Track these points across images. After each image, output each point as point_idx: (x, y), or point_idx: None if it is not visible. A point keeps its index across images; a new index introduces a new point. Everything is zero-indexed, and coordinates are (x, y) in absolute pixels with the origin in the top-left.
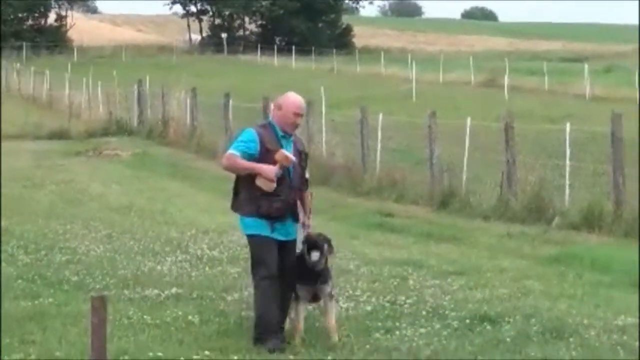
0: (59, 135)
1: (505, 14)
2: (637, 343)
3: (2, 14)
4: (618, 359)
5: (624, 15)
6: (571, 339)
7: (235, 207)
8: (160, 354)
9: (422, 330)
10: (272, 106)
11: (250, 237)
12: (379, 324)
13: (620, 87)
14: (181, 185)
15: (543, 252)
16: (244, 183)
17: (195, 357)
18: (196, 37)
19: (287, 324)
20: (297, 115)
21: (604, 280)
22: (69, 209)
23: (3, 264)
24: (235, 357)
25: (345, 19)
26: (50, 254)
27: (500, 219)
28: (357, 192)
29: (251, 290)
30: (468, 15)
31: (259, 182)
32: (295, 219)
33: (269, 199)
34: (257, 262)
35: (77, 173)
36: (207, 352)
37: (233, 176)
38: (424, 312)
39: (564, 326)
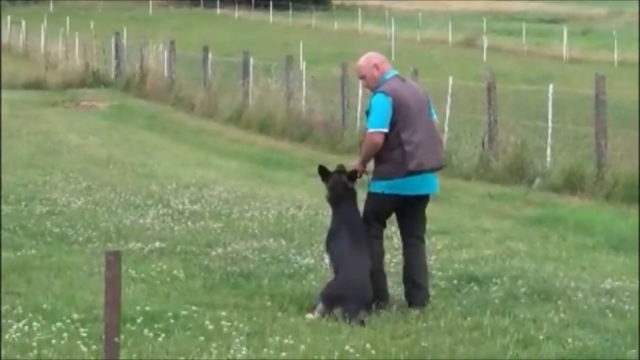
0: (35, 85)
1: None
2: (625, 307)
3: None
4: (607, 322)
5: None
6: (559, 302)
7: None
8: (147, 308)
9: None
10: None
11: None
12: None
13: (597, 50)
14: (159, 137)
15: (525, 214)
16: None
17: (183, 312)
18: None
19: None
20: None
21: (588, 243)
22: (47, 159)
23: None
24: (223, 313)
25: None
26: (30, 205)
27: (480, 179)
28: (337, 150)
29: (236, 246)
30: None
31: None
32: None
33: None
34: None
35: (54, 124)
36: (194, 308)
37: (210, 129)
38: None
39: (552, 288)
